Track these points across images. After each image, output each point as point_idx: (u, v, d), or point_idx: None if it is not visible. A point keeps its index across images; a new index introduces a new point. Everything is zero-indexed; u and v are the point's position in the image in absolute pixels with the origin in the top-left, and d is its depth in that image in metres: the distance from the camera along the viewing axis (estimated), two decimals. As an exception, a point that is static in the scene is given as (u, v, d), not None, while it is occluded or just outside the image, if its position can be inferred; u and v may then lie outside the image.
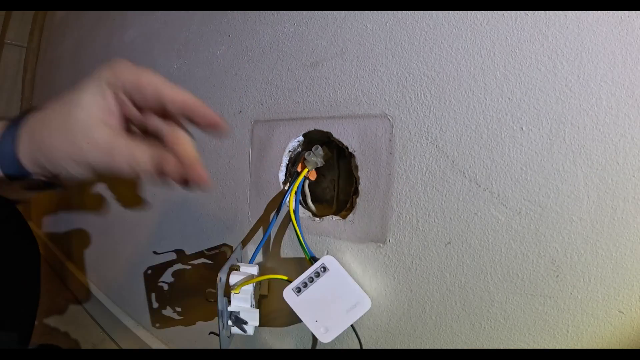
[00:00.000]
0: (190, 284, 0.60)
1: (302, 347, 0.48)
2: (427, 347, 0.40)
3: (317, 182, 0.49)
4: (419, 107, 0.40)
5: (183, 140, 0.29)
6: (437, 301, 0.39)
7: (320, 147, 0.45)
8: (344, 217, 0.44)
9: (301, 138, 0.48)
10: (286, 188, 0.48)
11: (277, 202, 0.49)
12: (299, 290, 0.40)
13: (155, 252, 0.64)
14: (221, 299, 0.41)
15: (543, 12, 0.34)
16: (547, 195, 0.34)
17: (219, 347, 0.42)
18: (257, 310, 0.44)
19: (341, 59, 0.45)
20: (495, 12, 0.36)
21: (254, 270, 0.45)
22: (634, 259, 0.31)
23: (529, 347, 0.35)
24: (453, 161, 0.38)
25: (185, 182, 0.25)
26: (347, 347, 0.44)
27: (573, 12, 0.33)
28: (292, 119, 0.48)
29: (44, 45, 1.03)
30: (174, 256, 0.62)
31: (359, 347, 0.42)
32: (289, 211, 0.45)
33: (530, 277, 0.35)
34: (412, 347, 0.41)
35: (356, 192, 0.44)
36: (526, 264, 0.35)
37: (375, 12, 0.42)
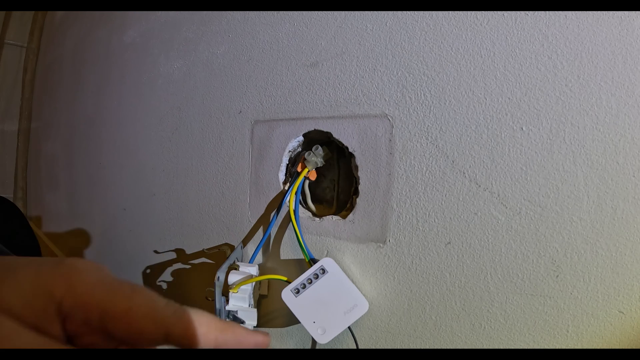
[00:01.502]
0: (189, 284, 0.60)
1: (301, 347, 0.48)
2: (427, 347, 0.40)
3: (317, 182, 0.49)
4: (419, 107, 0.40)
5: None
6: (437, 301, 0.39)
7: (320, 147, 0.45)
8: (344, 217, 0.44)
9: (301, 138, 0.48)
10: (286, 188, 0.48)
11: (277, 202, 0.49)
12: (297, 291, 0.40)
13: (155, 252, 0.64)
14: (219, 298, 0.41)
15: (543, 12, 0.34)
16: (547, 195, 0.34)
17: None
18: (256, 310, 0.44)
19: (341, 59, 0.45)
20: (495, 12, 0.36)
21: (253, 270, 0.45)
22: (634, 259, 0.31)
23: (529, 347, 0.35)
24: (453, 161, 0.38)
25: None
26: (346, 348, 0.44)
27: (573, 12, 0.33)
28: (292, 119, 0.48)
29: (44, 45, 1.03)
30: (173, 255, 0.61)
31: (356, 348, 0.42)
32: (289, 211, 0.45)
33: (530, 277, 0.35)
34: (412, 347, 0.41)
35: (356, 192, 0.44)
36: (526, 264, 0.35)
37: (375, 12, 0.42)
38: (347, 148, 0.44)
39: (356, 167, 0.43)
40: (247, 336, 0.18)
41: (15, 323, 0.14)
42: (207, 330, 0.17)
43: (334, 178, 0.48)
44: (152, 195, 0.65)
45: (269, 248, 0.50)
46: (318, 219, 0.46)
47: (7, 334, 0.14)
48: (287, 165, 0.50)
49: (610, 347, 0.32)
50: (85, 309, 0.16)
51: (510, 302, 0.36)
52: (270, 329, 0.50)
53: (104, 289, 0.16)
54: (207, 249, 0.56)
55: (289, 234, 0.48)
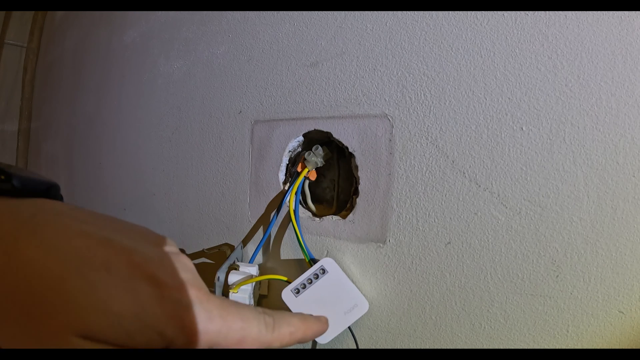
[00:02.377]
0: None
1: (301, 347, 0.48)
2: (427, 347, 0.40)
3: (317, 182, 0.49)
4: (419, 107, 0.40)
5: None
6: (437, 301, 0.39)
7: (320, 147, 0.45)
8: (344, 217, 0.44)
9: (301, 138, 0.48)
10: (286, 188, 0.48)
11: (277, 202, 0.49)
12: (297, 291, 0.40)
13: (155, 252, 0.64)
14: (220, 299, 0.41)
15: (543, 12, 0.34)
16: (547, 195, 0.34)
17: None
18: (257, 310, 0.44)
19: (341, 59, 0.45)
20: (495, 12, 0.36)
21: (253, 270, 0.45)
22: (634, 259, 0.31)
23: (529, 347, 0.35)
24: (453, 161, 0.38)
25: None
26: (346, 347, 0.44)
27: (573, 12, 0.33)
28: (292, 119, 0.48)
29: (44, 45, 1.03)
30: (173, 256, 0.61)
31: (356, 348, 0.42)
32: (289, 211, 0.45)
33: (530, 277, 0.35)
34: (412, 347, 0.41)
35: (356, 192, 0.44)
36: (526, 264, 0.35)
37: (375, 12, 0.42)
38: (347, 148, 0.44)
39: (356, 167, 0.43)
40: (319, 325, 0.23)
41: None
42: (295, 332, 0.21)
43: (334, 178, 0.48)
44: (152, 195, 0.65)
45: (269, 248, 0.50)
46: (318, 219, 0.46)
47: None
48: (287, 165, 0.50)
49: (610, 347, 0.32)
50: (196, 345, 0.17)
51: (510, 302, 0.36)
52: (270, 329, 0.50)
53: (216, 324, 0.17)
54: (207, 249, 0.56)
55: (289, 234, 0.48)
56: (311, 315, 0.23)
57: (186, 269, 0.18)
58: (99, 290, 0.15)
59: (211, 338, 0.17)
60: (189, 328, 0.16)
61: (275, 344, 0.20)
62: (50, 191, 0.19)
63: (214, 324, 0.17)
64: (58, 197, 0.20)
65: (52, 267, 0.15)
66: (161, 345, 0.16)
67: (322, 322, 0.24)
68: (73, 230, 0.16)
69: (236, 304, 0.19)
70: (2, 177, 0.17)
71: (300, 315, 0.22)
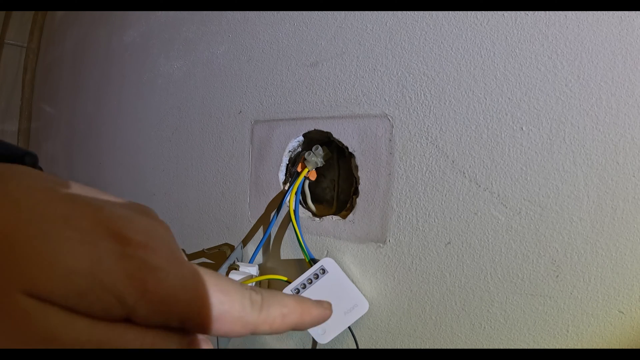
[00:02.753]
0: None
1: (301, 348, 0.48)
2: (427, 347, 0.40)
3: (317, 182, 0.49)
4: (419, 107, 0.40)
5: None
6: (437, 301, 0.39)
7: (320, 147, 0.45)
8: (344, 217, 0.44)
9: (301, 138, 0.48)
10: (286, 188, 0.48)
11: (277, 202, 0.49)
12: (297, 291, 0.40)
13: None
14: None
15: (543, 12, 0.34)
16: (547, 195, 0.34)
17: (216, 347, 0.42)
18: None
19: (341, 59, 0.45)
20: (495, 12, 0.36)
21: (253, 270, 0.45)
22: (634, 259, 0.31)
23: (529, 347, 0.35)
24: (453, 161, 0.38)
25: None
26: (346, 347, 0.44)
27: (573, 12, 0.33)
28: (292, 119, 0.48)
29: (44, 45, 1.03)
30: (173, 256, 0.61)
31: (356, 348, 0.42)
32: (289, 211, 0.45)
33: (530, 277, 0.35)
34: (412, 347, 0.41)
35: (356, 192, 0.44)
36: (526, 264, 0.35)
37: (375, 12, 0.42)
38: (347, 148, 0.44)
39: (356, 167, 0.43)
40: (320, 310, 0.18)
41: (67, 314, 0.12)
42: (289, 314, 0.16)
43: (334, 178, 0.48)
44: (152, 195, 0.65)
45: (269, 248, 0.50)
46: (318, 219, 0.46)
47: (58, 327, 0.12)
48: (287, 165, 0.50)
49: (610, 347, 0.32)
50: (163, 317, 0.13)
51: (510, 302, 0.36)
52: (270, 329, 0.50)
53: (188, 292, 0.14)
54: (207, 249, 0.56)
55: (289, 234, 0.48)
56: (310, 298, 0.19)
57: (163, 233, 0.15)
58: (50, 242, 0.13)
59: (181, 310, 0.13)
60: (154, 293, 0.13)
61: (264, 327, 0.15)
62: (25, 158, 0.18)
63: (186, 292, 0.14)
64: (36, 167, 0.19)
65: (5, 216, 0.13)
66: (120, 313, 0.13)
67: (324, 307, 0.19)
68: (37, 186, 0.14)
69: (217, 274, 0.15)
70: None
71: (296, 296, 0.17)
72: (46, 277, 0.12)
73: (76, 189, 0.15)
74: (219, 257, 0.56)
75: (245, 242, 0.52)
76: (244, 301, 0.15)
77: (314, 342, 0.46)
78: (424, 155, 0.39)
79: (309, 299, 0.18)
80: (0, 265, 0.12)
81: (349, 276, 0.41)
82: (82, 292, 0.12)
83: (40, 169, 0.19)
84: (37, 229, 0.13)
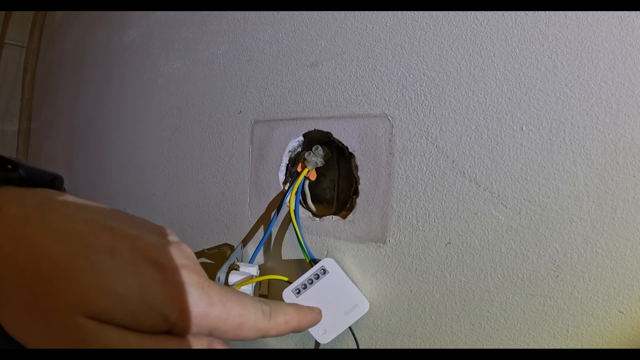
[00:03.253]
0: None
1: (302, 348, 0.48)
2: (427, 347, 0.40)
3: (317, 182, 0.49)
4: (419, 107, 0.40)
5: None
6: (437, 301, 0.39)
7: (320, 147, 0.45)
8: (344, 217, 0.44)
9: (301, 138, 0.48)
10: (286, 188, 0.48)
11: (277, 202, 0.49)
12: (298, 291, 0.40)
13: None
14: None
15: (543, 12, 0.34)
16: (547, 195, 0.34)
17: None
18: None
19: (341, 59, 0.45)
20: (495, 12, 0.36)
21: (253, 270, 0.45)
22: (634, 259, 0.31)
23: (529, 347, 0.35)
24: (453, 161, 0.38)
25: None
26: (347, 348, 0.44)
27: (573, 12, 0.33)
28: (292, 119, 0.48)
29: (44, 45, 1.03)
30: (173, 256, 0.61)
31: (357, 348, 0.42)
32: (289, 211, 0.45)
33: (530, 277, 0.35)
34: (412, 347, 0.41)
35: (356, 192, 0.44)
36: (526, 264, 0.35)
37: (375, 12, 0.42)
38: (347, 148, 0.44)
39: (356, 167, 0.43)
40: (313, 315, 0.24)
41: (121, 331, 0.15)
42: (290, 320, 0.21)
43: (334, 178, 0.48)
44: (152, 195, 0.65)
45: (269, 248, 0.50)
46: (318, 219, 0.46)
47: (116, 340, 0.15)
48: (287, 165, 0.50)
49: (610, 347, 0.32)
50: (196, 329, 0.17)
51: (510, 302, 0.36)
52: (271, 329, 0.50)
53: (216, 309, 0.17)
54: (207, 249, 0.56)
55: (289, 234, 0.48)
56: (305, 306, 0.24)
57: (187, 256, 0.19)
58: (103, 272, 0.15)
59: (211, 322, 0.17)
60: (190, 311, 0.16)
61: (272, 332, 0.20)
62: (54, 182, 0.20)
63: (214, 308, 0.17)
64: (62, 189, 0.21)
65: (58, 250, 0.15)
66: (164, 327, 0.16)
67: (316, 313, 0.25)
68: (78, 217, 0.17)
69: (235, 291, 0.19)
70: (9, 166, 0.18)
71: (295, 305, 0.23)
72: (104, 303, 0.15)
73: (109, 216, 0.18)
74: (219, 257, 0.56)
75: (245, 242, 0.52)
76: (257, 312, 0.19)
77: (315, 342, 0.46)
78: (424, 155, 0.39)
79: (305, 307, 0.23)
80: (61, 292, 0.14)
81: (349, 276, 0.41)
82: (135, 314, 0.15)
83: (65, 189, 0.21)
84: (89, 261, 0.15)
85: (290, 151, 0.49)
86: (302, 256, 0.45)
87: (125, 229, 0.17)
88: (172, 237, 0.19)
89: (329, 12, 0.46)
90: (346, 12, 0.44)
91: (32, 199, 0.17)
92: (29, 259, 0.15)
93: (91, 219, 0.17)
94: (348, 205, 0.46)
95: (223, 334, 0.18)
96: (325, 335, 0.39)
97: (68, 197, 0.19)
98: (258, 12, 0.52)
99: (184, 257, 0.18)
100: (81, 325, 0.14)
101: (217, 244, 0.56)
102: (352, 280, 0.41)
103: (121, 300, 0.15)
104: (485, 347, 0.37)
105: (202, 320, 0.17)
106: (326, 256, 0.45)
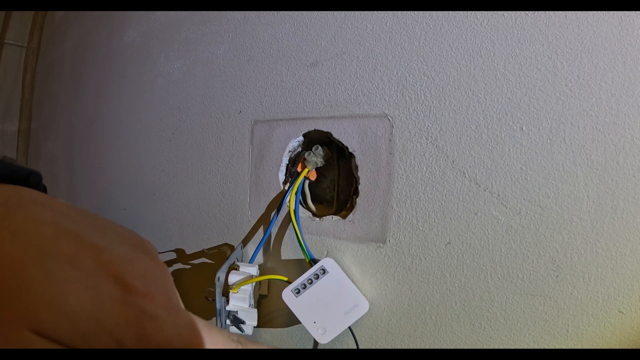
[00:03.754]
0: (190, 284, 0.60)
1: (301, 348, 0.48)
2: (427, 347, 0.40)
3: (317, 182, 0.49)
4: (419, 107, 0.40)
5: None
6: (437, 301, 0.39)
7: (320, 147, 0.45)
8: (344, 217, 0.44)
9: (301, 138, 0.48)
10: (286, 188, 0.48)
11: (277, 202, 0.49)
12: (297, 291, 0.40)
13: (155, 252, 0.64)
14: (219, 298, 0.41)
15: (543, 12, 0.34)
16: (547, 195, 0.34)
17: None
18: (256, 310, 0.44)
19: (341, 59, 0.45)
20: (495, 12, 0.36)
21: (253, 270, 0.45)
22: (634, 259, 0.31)
23: (529, 347, 0.35)
24: (453, 161, 0.38)
25: None
26: (346, 347, 0.44)
27: (573, 12, 0.33)
28: (292, 119, 0.48)
29: (44, 45, 1.03)
30: (173, 256, 0.61)
31: (356, 348, 0.42)
32: (289, 211, 0.45)
33: (530, 277, 0.35)
34: (412, 347, 0.41)
35: (356, 192, 0.44)
36: (526, 264, 0.35)
37: (375, 12, 0.42)
38: (347, 148, 0.44)
39: (356, 167, 0.43)
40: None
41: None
42: None
43: (334, 178, 0.48)
44: (152, 195, 0.65)
45: (269, 248, 0.50)
46: (318, 219, 0.46)
47: None
48: (287, 165, 0.50)
49: (610, 347, 0.32)
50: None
51: (510, 302, 0.36)
52: (271, 329, 0.50)
53: (180, 343, 0.15)
54: (207, 249, 0.56)
55: (289, 233, 0.48)
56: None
57: (160, 277, 0.17)
58: (57, 283, 0.14)
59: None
60: (149, 340, 0.14)
61: None
62: (29, 179, 0.19)
63: (180, 341, 0.15)
64: (40, 186, 0.19)
65: (13, 253, 0.14)
66: (109, 343, 0.14)
67: None
68: (43, 219, 0.15)
69: (208, 325, 0.17)
70: None
71: (273, 348, 0.20)
72: (53, 318, 0.13)
73: (80, 221, 0.16)
74: (219, 257, 0.56)
75: (245, 242, 0.52)
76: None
77: (315, 342, 0.46)
78: (424, 155, 0.39)
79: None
80: (10, 301, 0.13)
81: (349, 276, 0.41)
82: (85, 334, 0.13)
83: (45, 187, 0.19)
84: (44, 269, 0.14)
85: (290, 151, 0.49)
86: (302, 256, 0.45)
87: (93, 237, 0.16)
88: (148, 253, 0.17)
89: (329, 12, 0.46)
90: (346, 12, 0.44)
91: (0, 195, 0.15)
92: None
93: (57, 222, 0.15)
94: (348, 205, 0.46)
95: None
96: (325, 335, 0.39)
97: (39, 196, 0.17)
98: (258, 12, 0.52)
99: (155, 278, 0.16)
100: (23, 340, 0.13)
101: (217, 244, 0.56)
102: (352, 280, 0.41)
103: (71, 317, 0.13)
104: (485, 347, 0.37)
105: (158, 346, 0.15)
106: (326, 256, 0.45)
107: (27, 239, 0.14)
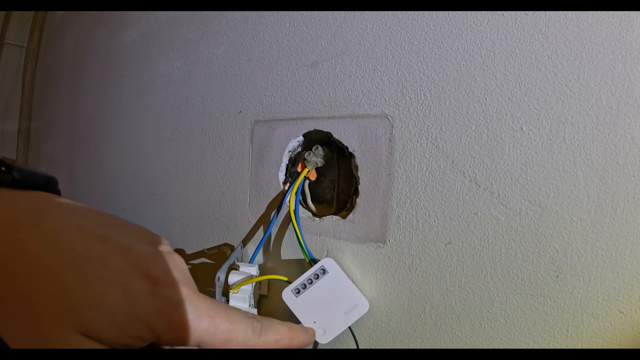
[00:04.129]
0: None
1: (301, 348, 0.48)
2: (427, 347, 0.40)
3: (317, 182, 0.49)
4: (419, 107, 0.40)
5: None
6: (437, 301, 0.39)
7: (320, 147, 0.45)
8: (344, 217, 0.44)
9: (301, 138, 0.48)
10: (286, 188, 0.48)
11: (277, 202, 0.49)
12: (297, 291, 0.40)
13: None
14: (219, 298, 0.41)
15: (543, 12, 0.34)
16: (547, 195, 0.34)
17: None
18: (256, 310, 0.44)
19: (341, 59, 0.45)
20: (495, 12, 0.36)
21: (253, 270, 0.45)
22: (634, 259, 0.31)
23: (529, 347, 0.35)
24: (453, 161, 0.38)
25: None
26: (346, 348, 0.44)
27: (573, 12, 0.33)
28: (292, 119, 0.48)
29: (44, 45, 1.03)
30: (173, 256, 0.61)
31: (356, 348, 0.42)
32: (289, 211, 0.45)
33: (530, 277, 0.35)
34: (412, 347, 0.41)
35: (356, 192, 0.44)
36: (526, 264, 0.35)
37: (375, 12, 0.42)
38: (347, 148, 0.44)
39: (356, 167, 0.43)
40: (306, 336, 0.23)
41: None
42: (281, 340, 0.20)
43: (334, 178, 0.48)
44: (152, 195, 0.65)
45: (269, 248, 0.50)
46: (318, 219, 0.46)
47: None
48: (287, 165, 0.50)
49: (610, 347, 0.32)
50: (183, 342, 0.17)
51: (510, 302, 0.36)
52: (271, 329, 0.50)
53: (204, 323, 0.17)
54: (207, 249, 0.56)
55: (289, 234, 0.48)
56: (299, 325, 0.23)
57: (178, 268, 0.18)
58: (93, 284, 0.15)
59: (198, 336, 0.17)
60: (178, 324, 0.16)
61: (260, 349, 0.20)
62: (48, 185, 0.20)
63: (202, 322, 0.17)
64: (56, 191, 0.21)
65: (49, 258, 0.15)
66: (150, 339, 0.16)
67: (309, 334, 0.24)
68: (71, 224, 0.17)
69: (226, 306, 0.19)
70: (3, 168, 0.18)
71: (289, 324, 0.22)
72: (94, 317, 0.15)
73: (102, 224, 0.18)
74: (219, 257, 0.56)
75: (245, 242, 0.52)
76: (247, 329, 0.19)
77: (315, 342, 0.46)
78: (424, 155, 0.39)
79: (298, 327, 0.22)
80: (51, 303, 0.14)
81: (349, 276, 0.41)
82: (122, 326, 0.15)
83: (59, 192, 0.21)
84: (80, 272, 0.15)
85: (290, 151, 0.49)
86: (302, 256, 0.45)
87: (117, 237, 0.17)
88: (165, 247, 0.19)
89: (329, 12, 0.46)
90: (346, 12, 0.44)
91: (26, 202, 0.17)
92: (20, 265, 0.15)
93: (83, 226, 0.17)
94: (348, 205, 0.46)
95: (208, 346, 0.18)
96: (325, 335, 0.39)
97: (62, 201, 0.18)
98: (258, 12, 0.52)
99: (175, 269, 0.18)
100: (70, 340, 0.14)
101: (217, 244, 0.56)
102: (352, 280, 0.41)
103: (109, 313, 0.15)
104: (485, 347, 0.37)
105: (189, 334, 0.17)
106: (326, 256, 0.45)
107: (59, 245, 0.16)
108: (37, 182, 0.19)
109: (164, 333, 0.16)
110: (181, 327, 0.16)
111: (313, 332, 0.24)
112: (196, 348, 0.18)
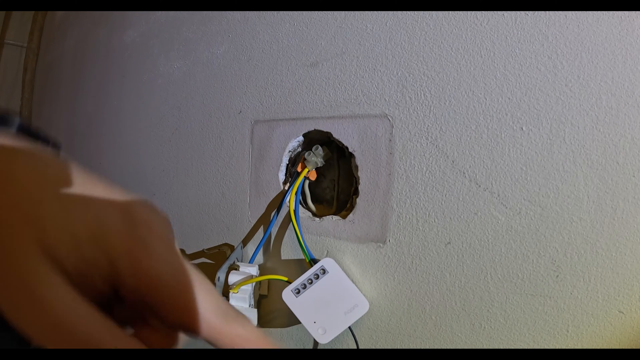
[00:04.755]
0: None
1: (301, 347, 0.48)
2: (427, 347, 0.40)
3: (317, 182, 0.49)
4: (419, 107, 0.40)
5: None
6: (437, 301, 0.39)
7: (320, 147, 0.45)
8: (344, 217, 0.44)
9: (301, 138, 0.48)
10: (286, 188, 0.48)
11: (277, 202, 0.49)
12: (297, 291, 0.40)
13: (155, 252, 0.64)
14: (220, 299, 0.41)
15: (543, 12, 0.34)
16: (547, 195, 0.34)
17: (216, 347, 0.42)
18: (256, 310, 0.44)
19: (341, 59, 0.45)
20: (495, 12, 0.36)
21: (253, 270, 0.45)
22: (634, 259, 0.31)
23: (529, 347, 0.35)
24: (453, 161, 0.38)
25: None
26: (346, 347, 0.44)
27: (573, 12, 0.33)
28: (292, 119, 0.48)
29: (44, 45, 1.03)
30: (173, 256, 0.62)
31: (356, 348, 0.42)
32: (289, 211, 0.45)
33: (530, 277, 0.35)
34: (412, 347, 0.41)
35: (356, 192, 0.44)
36: (526, 264, 0.35)
37: (375, 12, 0.42)
38: (347, 148, 0.44)
39: (356, 167, 0.43)
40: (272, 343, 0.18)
41: (71, 291, 0.13)
42: (247, 342, 0.17)
43: (334, 178, 0.48)
44: (152, 195, 0.65)
45: (269, 248, 0.50)
46: (318, 219, 0.46)
47: (65, 304, 0.13)
48: (287, 165, 0.50)
49: (610, 347, 0.32)
50: (145, 296, 0.15)
51: (510, 302, 0.36)
52: (271, 329, 0.50)
53: (174, 279, 0.15)
54: (207, 249, 0.56)
55: (289, 234, 0.48)
56: (272, 341, 0.19)
57: (166, 223, 0.17)
58: (69, 208, 0.15)
59: (163, 292, 0.15)
60: (144, 272, 0.15)
61: (222, 339, 0.17)
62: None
63: (173, 278, 0.15)
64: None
65: (33, 181, 0.15)
66: (111, 281, 0.15)
67: (273, 344, 0.19)
68: (64, 163, 0.16)
69: (207, 279, 0.17)
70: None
71: (261, 331, 0.18)
72: (59, 235, 0.14)
73: (104, 182, 0.17)
74: (219, 257, 0.56)
75: (245, 242, 0.52)
76: (219, 309, 0.16)
77: (315, 342, 0.46)
78: (424, 155, 0.39)
79: (271, 341, 0.18)
80: (21, 213, 0.14)
81: (349, 276, 0.41)
82: (84, 255, 0.14)
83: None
84: (58, 196, 0.14)
85: (290, 151, 0.49)
86: (302, 256, 0.45)
87: (107, 182, 0.16)
88: (156, 206, 0.18)
89: (329, 12, 0.46)
90: (346, 12, 0.44)
91: (29, 146, 0.16)
92: (3, 179, 0.14)
93: (74, 166, 0.16)
94: (348, 205, 0.46)
95: (173, 314, 0.15)
96: (325, 335, 0.39)
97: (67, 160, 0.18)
98: (258, 12, 0.52)
99: (160, 221, 0.17)
100: (26, 254, 0.13)
101: (217, 244, 0.56)
102: (352, 280, 0.41)
103: (76, 237, 0.14)
104: (485, 347, 0.37)
105: (154, 287, 0.15)
106: (326, 256, 0.45)
107: (45, 172, 0.15)
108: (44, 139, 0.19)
109: (127, 279, 0.15)
110: (147, 276, 0.15)
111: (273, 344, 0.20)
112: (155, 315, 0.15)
